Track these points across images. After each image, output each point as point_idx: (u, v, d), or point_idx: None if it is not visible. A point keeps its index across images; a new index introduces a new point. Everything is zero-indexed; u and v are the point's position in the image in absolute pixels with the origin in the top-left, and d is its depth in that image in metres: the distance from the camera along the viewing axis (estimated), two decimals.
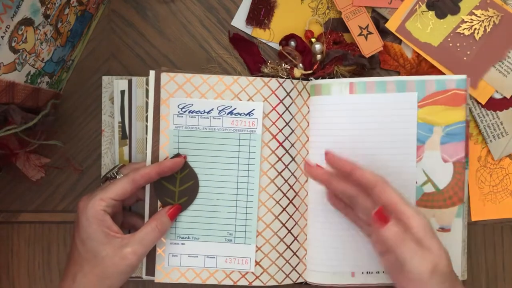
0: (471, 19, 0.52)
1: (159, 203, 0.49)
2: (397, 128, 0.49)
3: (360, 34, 0.53)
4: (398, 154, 0.49)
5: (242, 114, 0.49)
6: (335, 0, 0.53)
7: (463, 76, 0.48)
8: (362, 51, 0.53)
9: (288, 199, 0.50)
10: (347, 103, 0.50)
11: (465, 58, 0.53)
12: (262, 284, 0.49)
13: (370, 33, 0.53)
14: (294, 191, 0.50)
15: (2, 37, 0.38)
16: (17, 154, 0.52)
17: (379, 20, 0.54)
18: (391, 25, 0.54)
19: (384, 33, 0.54)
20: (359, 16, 0.53)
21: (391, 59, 0.54)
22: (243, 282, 0.49)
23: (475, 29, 0.52)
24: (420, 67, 0.54)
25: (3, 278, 0.56)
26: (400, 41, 0.55)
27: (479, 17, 0.52)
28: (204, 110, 0.49)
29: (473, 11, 0.53)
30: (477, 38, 0.53)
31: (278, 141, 0.50)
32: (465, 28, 0.53)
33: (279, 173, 0.49)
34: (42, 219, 0.56)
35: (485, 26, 0.52)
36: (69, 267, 0.44)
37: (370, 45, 0.53)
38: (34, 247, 0.56)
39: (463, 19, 0.53)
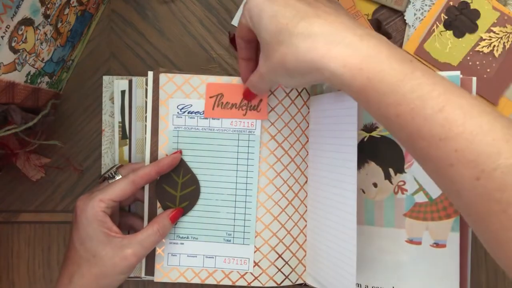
0: (490, 36, 0.52)
1: (158, 205, 0.49)
2: None
3: None
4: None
5: None
6: None
7: (456, 73, 0.45)
8: None
9: (287, 200, 0.50)
10: (339, 101, 0.47)
11: (485, 76, 0.53)
12: (261, 285, 0.49)
13: None
14: (294, 192, 0.50)
15: (2, 37, 0.38)
16: (17, 154, 0.52)
17: (380, 22, 0.54)
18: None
19: (386, 35, 0.54)
20: (358, 20, 0.53)
21: None
22: (242, 283, 0.49)
23: (494, 46, 0.52)
24: None
25: (3, 278, 0.56)
26: (401, 44, 0.55)
27: (498, 34, 0.52)
28: (203, 111, 0.49)
29: (491, 28, 0.52)
30: (496, 55, 0.52)
31: (277, 141, 0.50)
32: (484, 46, 0.52)
33: (278, 174, 0.49)
34: (42, 219, 0.56)
35: (504, 42, 0.52)
36: (66, 267, 0.44)
37: None
38: (34, 247, 0.56)
39: (481, 37, 0.53)
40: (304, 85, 0.47)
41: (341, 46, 0.33)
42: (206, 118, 0.49)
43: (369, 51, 0.33)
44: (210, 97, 0.48)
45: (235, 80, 0.48)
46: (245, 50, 0.44)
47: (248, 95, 0.47)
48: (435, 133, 0.30)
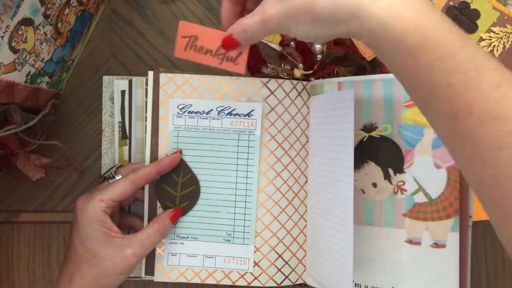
0: (490, 36, 0.52)
1: (158, 205, 0.49)
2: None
3: None
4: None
5: (241, 115, 0.49)
6: None
7: None
8: (363, 54, 0.53)
9: (287, 200, 0.50)
10: (339, 101, 0.47)
11: None
12: (261, 285, 0.49)
13: None
14: (293, 192, 0.50)
15: (2, 37, 0.38)
16: (17, 154, 0.52)
17: None
18: None
19: None
20: None
21: None
22: (242, 282, 0.49)
23: (494, 46, 0.52)
24: None
25: (3, 278, 0.56)
26: None
27: (497, 34, 0.52)
28: (203, 111, 0.49)
29: (491, 28, 0.52)
30: (496, 55, 0.52)
31: (277, 141, 0.50)
32: (484, 46, 0.52)
33: (278, 174, 0.49)
34: (42, 219, 0.56)
35: (503, 42, 0.52)
36: (66, 267, 0.44)
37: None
38: (34, 247, 0.56)
39: (481, 37, 0.53)
40: (324, 39, 0.36)
41: None
42: (206, 118, 0.49)
43: (425, 7, 0.29)
44: (183, 37, 0.41)
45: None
46: None
47: (229, 43, 0.38)
48: (487, 110, 0.27)
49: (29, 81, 0.45)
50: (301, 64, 0.53)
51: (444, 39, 0.28)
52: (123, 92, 0.52)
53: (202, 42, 0.41)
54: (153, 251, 0.49)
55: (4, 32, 0.38)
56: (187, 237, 0.49)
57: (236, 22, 0.37)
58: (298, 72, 0.52)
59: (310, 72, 0.53)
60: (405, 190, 0.47)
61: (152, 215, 0.48)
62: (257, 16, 0.34)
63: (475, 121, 0.27)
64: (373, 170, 0.48)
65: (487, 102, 0.27)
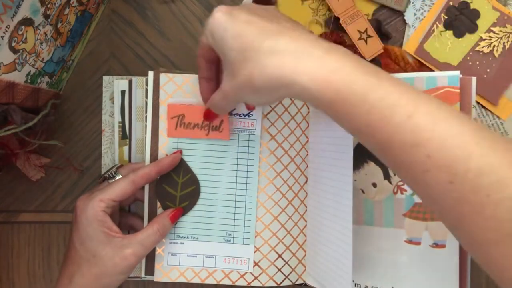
0: (490, 36, 0.52)
1: (158, 205, 0.49)
2: None
3: (360, 38, 0.53)
4: None
5: (241, 115, 0.49)
6: (333, 6, 0.53)
7: (456, 72, 0.45)
8: (363, 55, 0.53)
9: (287, 200, 0.50)
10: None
11: (485, 76, 0.53)
12: (261, 285, 0.49)
13: (370, 36, 0.53)
14: (293, 192, 0.50)
15: (2, 37, 0.38)
16: (17, 154, 0.52)
17: (380, 22, 0.54)
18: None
19: (386, 36, 0.54)
20: (357, 20, 0.53)
21: (392, 62, 0.54)
22: (241, 282, 0.49)
23: (494, 46, 0.52)
24: (421, 70, 0.54)
25: (3, 278, 0.56)
26: (401, 44, 0.55)
27: (497, 34, 0.52)
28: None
29: (491, 28, 0.53)
30: (496, 55, 0.53)
31: (277, 141, 0.50)
32: (483, 46, 0.53)
33: (278, 174, 0.49)
34: (42, 219, 0.56)
35: (503, 42, 0.52)
36: (66, 267, 0.44)
37: (371, 49, 0.53)
38: (34, 247, 0.56)
39: (481, 37, 0.53)
40: (271, 102, 0.48)
41: (308, 60, 0.33)
42: None
43: (336, 64, 0.33)
44: (172, 118, 0.48)
45: (196, 100, 0.48)
46: (206, 70, 0.44)
47: (209, 115, 0.47)
48: (406, 141, 0.30)
49: (29, 81, 0.45)
50: None
51: (354, 88, 0.32)
52: (123, 92, 0.52)
53: (189, 119, 0.48)
54: (153, 251, 0.49)
55: (4, 32, 0.38)
56: (187, 237, 0.49)
57: (210, 98, 0.43)
58: None
59: None
60: (405, 190, 0.47)
61: (152, 215, 0.48)
62: (220, 92, 0.41)
63: (398, 152, 0.31)
64: (373, 170, 0.48)
65: (402, 133, 0.31)
